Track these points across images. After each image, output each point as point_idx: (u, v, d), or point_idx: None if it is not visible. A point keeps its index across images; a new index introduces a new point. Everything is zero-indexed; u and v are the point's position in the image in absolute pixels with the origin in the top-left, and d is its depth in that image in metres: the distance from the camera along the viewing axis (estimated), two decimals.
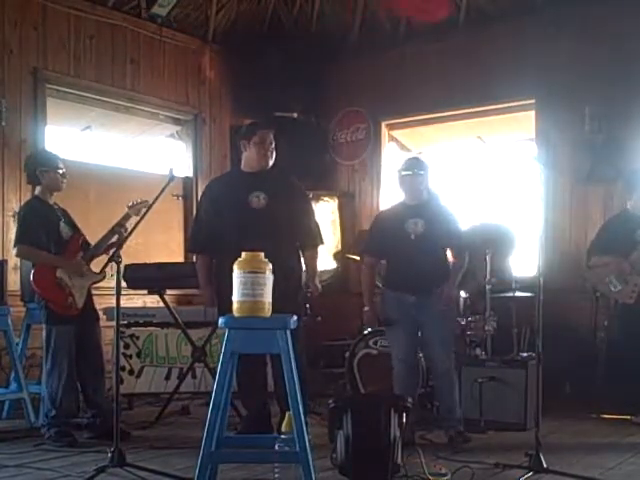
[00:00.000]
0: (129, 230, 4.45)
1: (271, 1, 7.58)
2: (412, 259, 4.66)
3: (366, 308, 4.93)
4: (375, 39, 7.55)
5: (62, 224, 4.87)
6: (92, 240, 5.01)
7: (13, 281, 5.60)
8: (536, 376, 4.01)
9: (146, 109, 7.19)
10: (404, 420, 3.70)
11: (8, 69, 6.09)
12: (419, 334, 4.74)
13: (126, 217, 4.93)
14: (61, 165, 4.88)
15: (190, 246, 5.12)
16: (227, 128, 7.71)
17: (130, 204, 4.96)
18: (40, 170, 4.81)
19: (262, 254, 3.18)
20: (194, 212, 5.82)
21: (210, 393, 3.20)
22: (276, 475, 3.23)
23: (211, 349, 5.60)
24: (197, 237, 4.86)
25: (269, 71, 7.25)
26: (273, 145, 4.70)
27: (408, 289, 4.68)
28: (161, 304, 5.65)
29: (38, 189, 4.90)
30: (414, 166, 4.76)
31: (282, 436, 3.18)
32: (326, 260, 7.15)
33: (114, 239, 4.89)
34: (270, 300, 3.15)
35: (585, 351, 5.93)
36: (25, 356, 5.60)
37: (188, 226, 6.85)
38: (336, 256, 7.43)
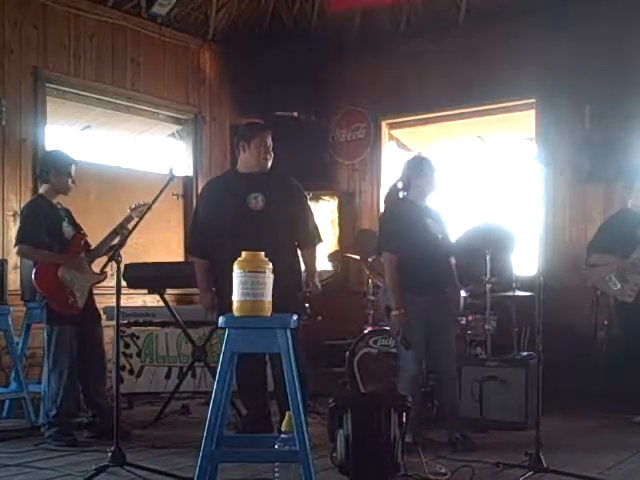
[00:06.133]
0: (130, 231, 4.46)
1: (271, 1, 7.58)
2: (435, 259, 4.58)
3: (395, 312, 4.53)
4: (375, 38, 7.55)
5: (65, 224, 4.88)
6: (92, 240, 5.02)
7: (13, 280, 5.60)
8: (536, 375, 4.01)
9: (146, 108, 7.19)
10: (404, 420, 3.70)
11: (8, 68, 6.09)
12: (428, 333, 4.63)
13: (128, 219, 4.95)
14: (74, 171, 4.90)
15: (190, 248, 5.12)
16: (227, 128, 7.72)
17: (133, 206, 4.98)
18: (55, 172, 4.83)
19: (262, 253, 3.18)
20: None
21: (210, 392, 3.20)
22: (276, 474, 3.23)
23: (211, 348, 5.60)
24: (196, 239, 4.85)
25: (269, 71, 7.26)
26: (271, 146, 4.70)
27: (426, 289, 4.55)
28: (161, 303, 5.65)
29: (44, 187, 4.92)
30: (433, 166, 4.75)
31: (282, 435, 3.18)
32: (325, 260, 7.15)
33: (116, 241, 4.89)
34: (270, 299, 3.15)
35: (585, 350, 5.93)
36: (25, 356, 5.61)
37: (188, 225, 6.85)
38: (335, 255, 7.42)
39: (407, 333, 4.53)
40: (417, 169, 4.72)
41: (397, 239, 4.61)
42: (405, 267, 4.56)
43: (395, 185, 4.81)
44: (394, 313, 4.54)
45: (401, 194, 4.78)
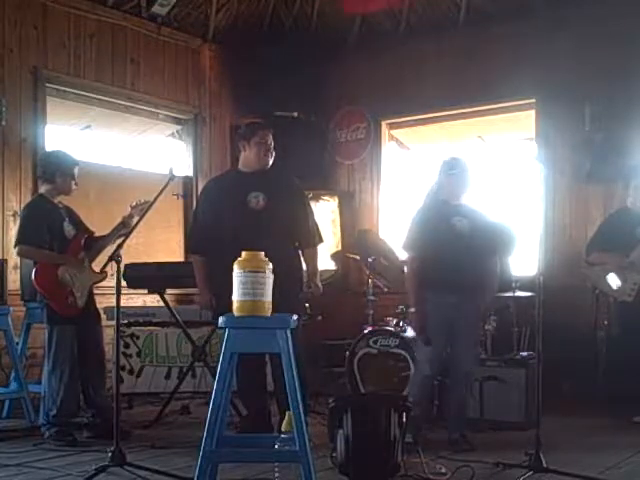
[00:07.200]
0: (132, 226, 4.46)
1: (271, 1, 7.58)
2: (460, 258, 4.51)
3: (412, 309, 4.64)
4: (375, 38, 7.55)
5: (65, 224, 4.88)
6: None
7: (13, 281, 5.59)
8: (536, 375, 4.01)
9: (146, 108, 7.19)
10: (404, 420, 3.70)
11: (8, 68, 6.09)
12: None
13: (129, 216, 4.94)
14: (77, 172, 4.90)
15: (190, 247, 5.12)
16: (227, 127, 7.72)
17: (133, 204, 4.97)
18: (60, 173, 4.83)
19: (262, 253, 3.17)
20: None
21: (210, 392, 3.20)
22: (276, 474, 3.23)
23: (211, 348, 5.60)
24: (196, 238, 4.85)
25: (269, 70, 7.26)
26: (272, 145, 4.70)
27: (449, 289, 4.50)
28: (161, 303, 5.65)
29: (45, 187, 4.91)
30: (465, 165, 4.75)
31: (282, 435, 3.18)
32: (327, 260, 7.14)
33: (122, 231, 4.89)
34: (270, 299, 3.14)
35: (585, 350, 5.93)
36: (25, 356, 5.61)
37: (188, 226, 6.85)
38: (336, 255, 7.42)
39: (427, 331, 4.60)
40: (448, 169, 4.74)
41: (418, 239, 4.65)
42: (428, 267, 4.58)
43: (432, 187, 4.83)
44: (411, 310, 4.66)
45: (439, 195, 4.78)
